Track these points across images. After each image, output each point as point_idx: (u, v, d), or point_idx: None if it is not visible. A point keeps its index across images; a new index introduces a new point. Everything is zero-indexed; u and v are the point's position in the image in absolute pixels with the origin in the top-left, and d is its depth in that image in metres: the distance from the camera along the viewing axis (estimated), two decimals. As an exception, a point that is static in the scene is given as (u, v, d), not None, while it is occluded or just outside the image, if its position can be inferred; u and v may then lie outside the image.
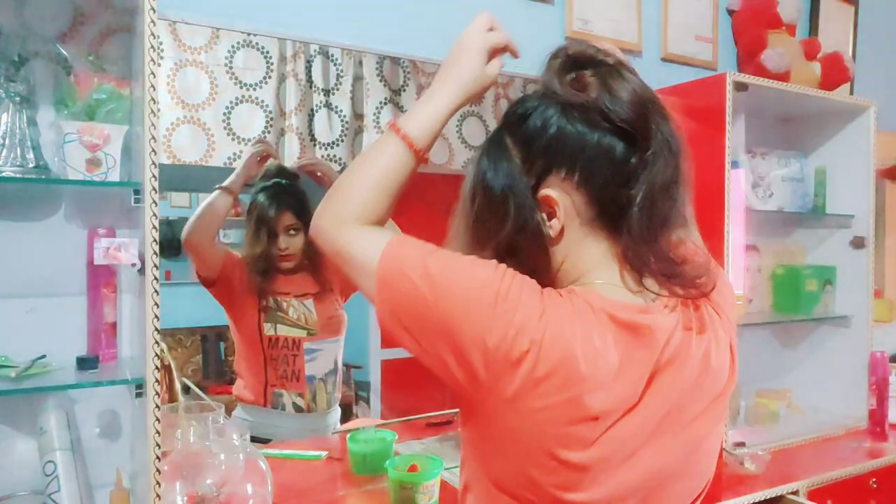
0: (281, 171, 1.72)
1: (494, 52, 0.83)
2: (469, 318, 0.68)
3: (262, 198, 1.73)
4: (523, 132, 0.77)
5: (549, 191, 0.74)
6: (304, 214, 1.76)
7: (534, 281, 0.72)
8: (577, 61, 0.76)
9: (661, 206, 0.72)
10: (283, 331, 1.75)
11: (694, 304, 0.77)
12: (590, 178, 0.73)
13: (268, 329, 1.73)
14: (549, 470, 0.69)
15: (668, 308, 0.74)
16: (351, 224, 0.78)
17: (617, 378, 0.69)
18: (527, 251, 0.76)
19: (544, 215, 0.75)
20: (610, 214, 0.74)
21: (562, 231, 0.75)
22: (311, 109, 1.69)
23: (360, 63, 1.75)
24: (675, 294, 0.75)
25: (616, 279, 0.75)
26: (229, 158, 1.58)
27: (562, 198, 0.74)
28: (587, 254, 0.75)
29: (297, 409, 1.76)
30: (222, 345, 1.86)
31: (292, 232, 1.75)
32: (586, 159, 0.73)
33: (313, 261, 1.82)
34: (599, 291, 0.73)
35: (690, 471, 0.77)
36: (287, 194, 1.74)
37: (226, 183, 1.61)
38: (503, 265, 0.72)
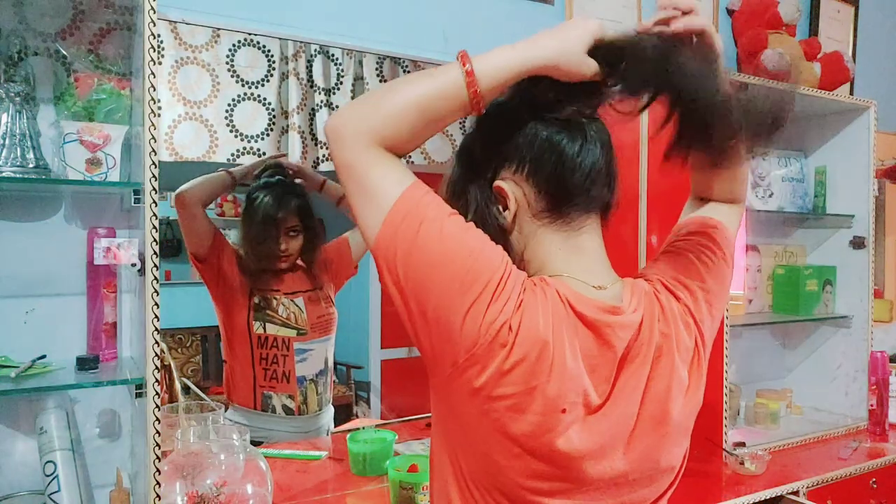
0: (282, 168, 1.70)
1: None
2: (466, 293, 0.67)
3: (266, 197, 1.70)
4: (487, 126, 0.80)
5: (502, 183, 0.78)
6: (306, 217, 1.75)
7: (522, 272, 0.74)
8: None
9: (597, 195, 0.77)
10: (273, 330, 1.72)
11: (660, 304, 0.78)
12: (537, 171, 0.77)
13: (257, 327, 1.70)
14: (514, 455, 0.70)
15: (633, 307, 0.75)
16: (374, 143, 0.70)
17: (583, 372, 0.70)
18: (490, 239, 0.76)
19: (499, 206, 0.78)
20: (556, 206, 0.77)
21: (514, 221, 0.78)
22: (313, 109, 1.68)
23: (361, 63, 1.74)
24: (635, 291, 0.77)
25: (570, 271, 0.77)
26: (232, 155, 1.57)
27: (513, 189, 0.77)
28: (542, 245, 0.78)
29: (288, 411, 1.73)
30: (222, 345, 1.86)
31: (292, 233, 1.73)
32: (535, 152, 0.76)
33: (307, 261, 1.80)
34: (568, 284, 0.74)
35: (660, 467, 0.78)
36: (292, 195, 1.73)
37: (231, 169, 1.62)
38: (504, 252, 0.73)
